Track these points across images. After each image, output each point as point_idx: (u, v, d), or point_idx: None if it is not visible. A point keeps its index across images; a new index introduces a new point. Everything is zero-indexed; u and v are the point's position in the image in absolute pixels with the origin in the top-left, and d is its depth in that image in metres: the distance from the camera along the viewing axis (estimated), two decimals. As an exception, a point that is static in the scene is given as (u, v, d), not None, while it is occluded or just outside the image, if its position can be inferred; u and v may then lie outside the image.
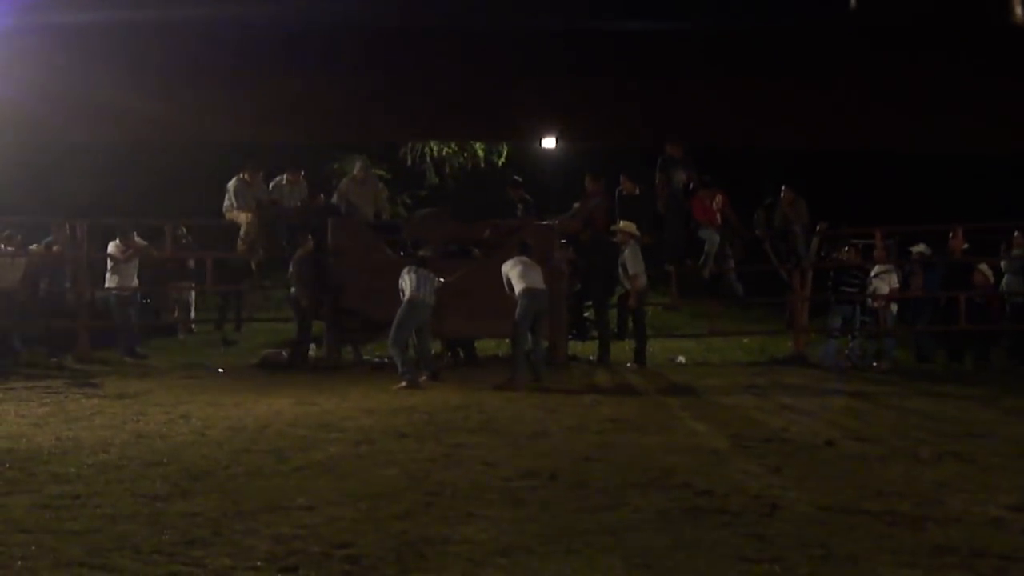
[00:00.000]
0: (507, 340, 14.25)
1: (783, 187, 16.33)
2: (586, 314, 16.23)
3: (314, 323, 15.27)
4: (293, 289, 14.86)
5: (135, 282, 16.14)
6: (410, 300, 12.63)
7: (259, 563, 5.22)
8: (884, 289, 15.92)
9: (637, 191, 16.18)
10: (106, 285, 15.97)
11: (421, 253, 13.41)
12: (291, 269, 14.82)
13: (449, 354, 15.65)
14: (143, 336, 16.84)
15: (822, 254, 16.59)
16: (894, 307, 16.41)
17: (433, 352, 13.96)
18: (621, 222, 15.34)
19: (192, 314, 19.17)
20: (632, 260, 14.98)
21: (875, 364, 15.55)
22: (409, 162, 24.48)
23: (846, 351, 16.20)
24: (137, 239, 16.10)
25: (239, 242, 16.06)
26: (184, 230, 17.30)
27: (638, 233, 15.22)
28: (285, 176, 16.42)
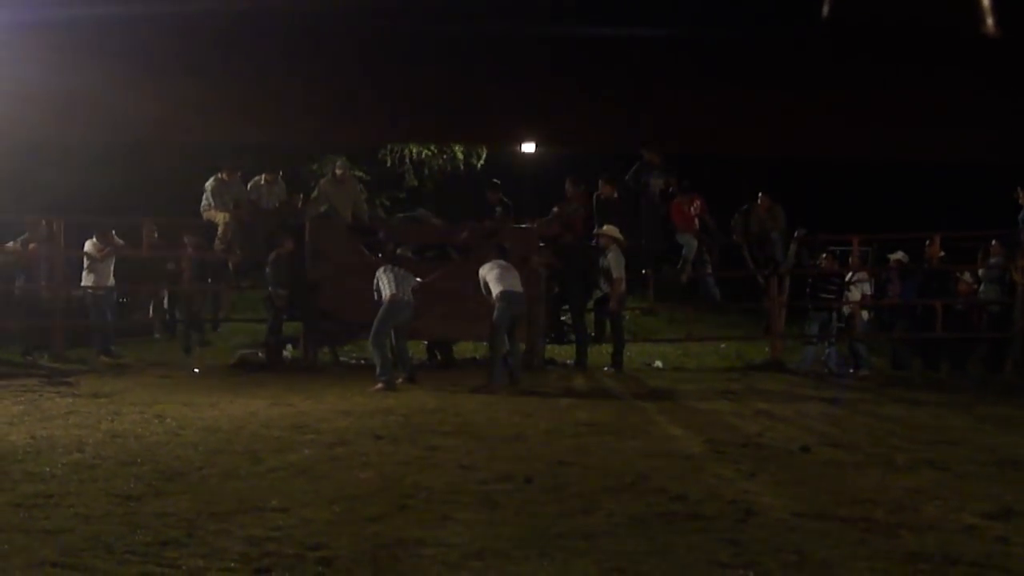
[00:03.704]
0: (484, 343, 14.25)
1: (760, 193, 16.37)
2: (563, 318, 16.22)
3: (291, 323, 15.24)
4: (270, 289, 14.82)
5: (111, 281, 16.05)
6: (391, 300, 12.59)
7: (232, 564, 5.20)
8: (857, 296, 15.98)
9: (615, 195, 16.15)
10: (82, 283, 15.90)
11: (399, 251, 13.36)
12: (268, 269, 14.77)
13: (428, 357, 15.63)
14: (118, 335, 16.73)
15: (798, 260, 16.62)
16: (865, 314, 16.47)
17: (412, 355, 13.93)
18: (605, 226, 15.32)
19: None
20: (616, 264, 14.96)
21: (852, 371, 15.59)
22: (388, 164, 24.43)
23: (823, 357, 16.26)
24: (115, 237, 16.02)
25: (216, 242, 16.02)
26: (155, 234, 17.15)
27: (621, 237, 15.20)
28: (263, 176, 16.38)
